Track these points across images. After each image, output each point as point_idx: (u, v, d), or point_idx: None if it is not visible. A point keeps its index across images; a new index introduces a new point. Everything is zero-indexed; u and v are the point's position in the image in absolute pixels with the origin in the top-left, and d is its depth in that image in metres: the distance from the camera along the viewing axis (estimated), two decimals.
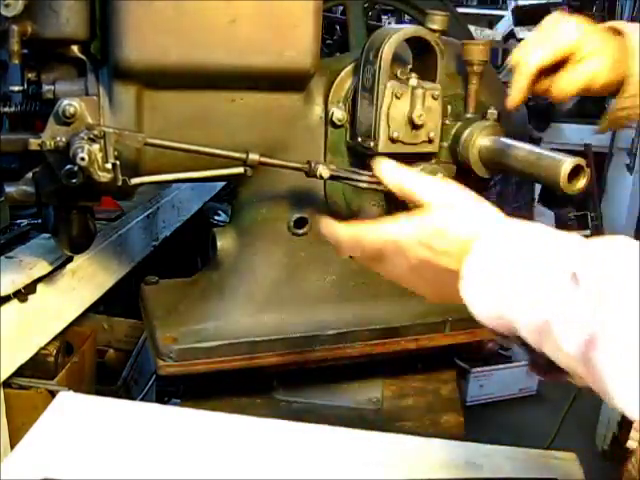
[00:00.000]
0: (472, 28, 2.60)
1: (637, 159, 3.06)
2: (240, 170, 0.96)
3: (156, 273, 1.29)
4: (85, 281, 1.54)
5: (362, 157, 1.08)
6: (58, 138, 0.91)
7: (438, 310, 1.20)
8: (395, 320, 1.18)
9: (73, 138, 0.89)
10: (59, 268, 1.42)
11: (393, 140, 1.01)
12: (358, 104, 1.05)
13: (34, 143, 0.92)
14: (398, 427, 1.19)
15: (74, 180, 0.91)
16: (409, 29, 1.02)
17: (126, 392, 1.79)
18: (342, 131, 1.09)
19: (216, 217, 2.66)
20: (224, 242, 1.14)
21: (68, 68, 0.97)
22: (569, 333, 0.57)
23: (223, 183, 2.28)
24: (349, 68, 1.09)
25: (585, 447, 2.53)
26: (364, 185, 1.03)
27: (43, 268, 1.37)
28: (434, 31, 1.01)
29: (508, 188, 3.10)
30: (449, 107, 1.08)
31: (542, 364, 0.66)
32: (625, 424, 2.48)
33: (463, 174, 1.07)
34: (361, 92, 1.04)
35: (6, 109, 0.96)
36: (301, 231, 1.12)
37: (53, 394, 1.33)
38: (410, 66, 1.06)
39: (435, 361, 1.30)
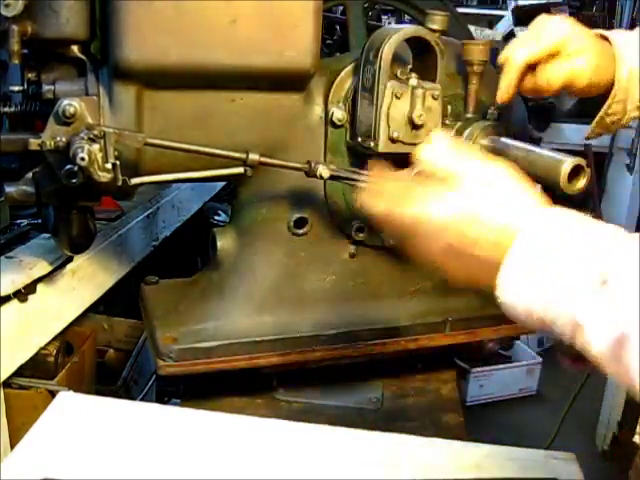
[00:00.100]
0: (472, 28, 2.60)
1: (637, 159, 3.06)
2: (240, 170, 0.96)
3: (156, 273, 1.29)
4: (85, 281, 1.54)
5: (362, 157, 1.08)
6: (58, 138, 0.91)
7: (438, 310, 1.21)
8: (395, 320, 1.18)
9: (73, 138, 0.89)
10: (59, 268, 1.42)
11: (393, 140, 1.01)
12: (358, 104, 1.05)
13: (34, 143, 0.92)
14: (398, 427, 1.19)
15: (74, 180, 0.91)
16: (409, 29, 1.02)
17: (126, 392, 1.79)
18: (342, 131, 1.09)
19: (216, 217, 2.66)
20: (224, 242, 1.14)
21: (68, 68, 0.97)
22: (599, 331, 0.58)
23: (223, 183, 2.28)
24: (349, 68, 1.09)
25: (585, 447, 2.53)
26: (364, 185, 1.03)
27: (43, 268, 1.37)
28: (434, 31, 1.01)
29: None
30: (449, 107, 1.08)
31: (572, 354, 0.67)
32: (625, 424, 2.48)
33: None
34: (361, 92, 1.04)
35: (6, 109, 0.96)
36: (301, 231, 1.12)
37: (53, 394, 1.33)
38: (410, 66, 1.06)
39: (435, 361, 1.30)
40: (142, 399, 1.78)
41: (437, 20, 1.02)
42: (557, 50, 0.99)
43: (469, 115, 1.08)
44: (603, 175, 3.28)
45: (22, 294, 1.32)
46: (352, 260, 1.17)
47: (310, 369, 1.17)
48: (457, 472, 0.97)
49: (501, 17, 3.75)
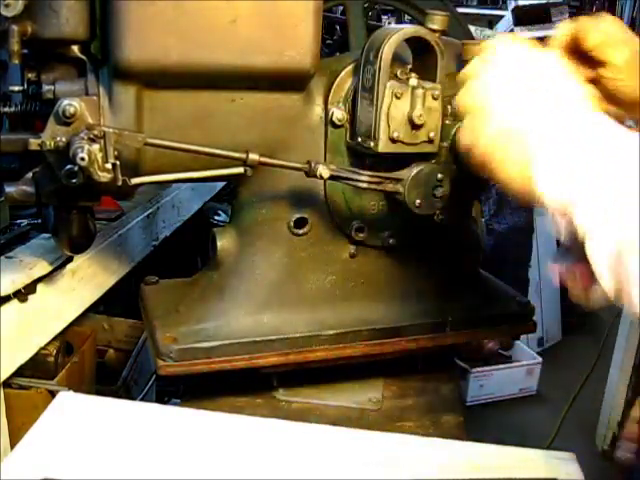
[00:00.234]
0: (472, 28, 2.60)
1: None
2: (240, 170, 0.96)
3: (156, 273, 1.29)
4: (85, 281, 1.54)
5: (362, 157, 1.09)
6: (58, 138, 0.91)
7: (438, 310, 1.21)
8: (395, 320, 1.18)
9: (73, 138, 0.89)
10: (59, 268, 1.42)
11: (393, 140, 1.01)
12: (358, 104, 1.05)
13: (34, 143, 0.92)
14: (398, 427, 1.19)
15: (74, 180, 0.91)
16: (409, 29, 1.01)
17: (126, 392, 1.79)
18: (342, 131, 1.09)
19: (216, 217, 2.66)
20: (224, 242, 1.14)
21: (68, 68, 0.97)
22: (622, 228, 0.59)
23: (223, 183, 2.28)
24: (349, 68, 1.09)
25: (585, 447, 2.53)
26: (364, 185, 1.03)
27: (43, 268, 1.37)
28: (434, 31, 1.01)
29: None
30: (449, 107, 1.08)
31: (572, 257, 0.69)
32: (625, 424, 2.48)
33: (463, 174, 1.07)
34: (361, 92, 1.04)
35: (6, 109, 0.96)
36: (301, 231, 1.12)
37: (53, 394, 1.33)
38: (410, 66, 1.06)
39: (435, 361, 1.30)
40: (142, 399, 1.78)
41: (437, 20, 1.02)
42: (603, 33, 0.96)
43: None
44: None
45: (22, 294, 1.32)
46: (352, 260, 1.17)
47: (310, 369, 1.17)
48: (457, 472, 0.97)
49: (501, 17, 3.75)
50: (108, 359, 1.91)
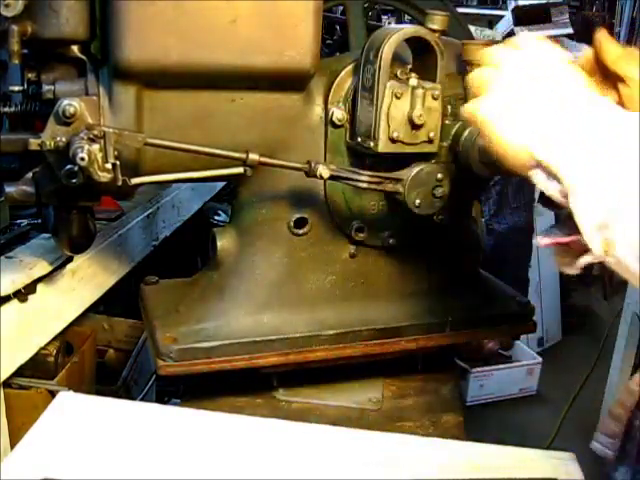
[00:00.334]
0: (472, 28, 2.60)
1: None
2: (240, 170, 0.97)
3: (156, 273, 1.29)
4: (85, 281, 1.54)
5: (362, 157, 1.09)
6: (58, 138, 0.91)
7: (438, 310, 1.21)
8: (395, 320, 1.18)
9: (73, 138, 0.89)
10: (59, 268, 1.42)
11: (393, 140, 1.01)
12: (358, 104, 1.05)
13: (34, 143, 0.92)
14: (398, 427, 1.19)
15: (74, 180, 0.91)
16: (409, 29, 1.02)
17: (126, 392, 1.79)
18: (342, 131, 1.09)
19: (216, 217, 2.66)
20: (224, 242, 1.14)
21: (68, 68, 0.97)
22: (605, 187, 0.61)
23: (223, 183, 2.28)
24: (349, 68, 1.09)
25: (585, 447, 2.53)
26: (364, 185, 1.04)
27: (43, 268, 1.37)
28: (434, 31, 1.01)
29: (508, 188, 3.10)
30: (449, 107, 1.08)
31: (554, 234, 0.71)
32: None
33: (463, 174, 1.07)
34: (361, 92, 1.04)
35: (6, 109, 0.96)
36: (301, 231, 1.12)
37: (53, 394, 1.33)
38: (410, 66, 1.06)
39: (435, 361, 1.30)
40: (142, 399, 1.78)
41: (437, 20, 1.02)
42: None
43: None
44: None
45: (22, 294, 1.32)
46: (352, 260, 1.17)
47: (310, 369, 1.17)
48: (457, 472, 0.97)
49: (501, 17, 3.75)
50: (108, 359, 1.91)
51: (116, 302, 1.89)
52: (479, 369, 2.89)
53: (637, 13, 3.50)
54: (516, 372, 2.98)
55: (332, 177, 0.95)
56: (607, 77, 0.96)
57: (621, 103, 0.97)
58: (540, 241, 0.74)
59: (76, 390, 1.19)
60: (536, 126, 0.70)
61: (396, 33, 0.99)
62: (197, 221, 2.29)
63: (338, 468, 0.96)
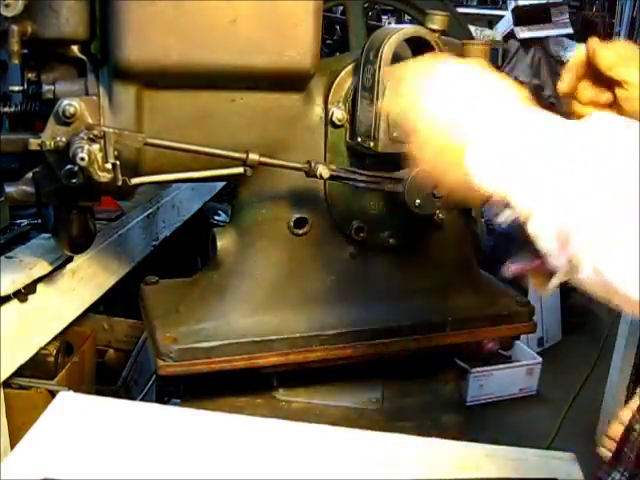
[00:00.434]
0: (472, 28, 2.60)
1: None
2: (240, 170, 0.97)
3: (156, 273, 1.29)
4: (85, 281, 1.54)
5: (362, 157, 1.09)
6: (58, 138, 0.91)
7: (438, 310, 1.21)
8: (395, 320, 1.18)
9: (73, 138, 0.89)
10: (59, 268, 1.42)
11: (393, 140, 1.01)
12: (358, 104, 1.05)
13: (34, 143, 0.92)
14: (398, 427, 1.19)
15: (74, 180, 0.91)
16: (409, 29, 1.02)
17: (126, 392, 1.79)
18: (342, 131, 1.09)
19: (216, 217, 2.66)
20: (224, 242, 1.14)
21: (68, 68, 0.97)
22: (560, 200, 0.60)
23: (223, 183, 2.28)
24: (349, 68, 1.09)
25: (585, 447, 2.53)
26: (364, 185, 1.04)
27: (43, 268, 1.37)
28: (434, 31, 1.02)
29: None
30: None
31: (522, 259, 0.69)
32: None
33: None
34: (361, 92, 1.04)
35: (6, 109, 0.96)
36: (301, 231, 1.12)
37: (53, 394, 1.33)
38: None
39: (435, 361, 1.30)
40: (142, 399, 1.78)
41: (437, 20, 1.02)
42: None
43: None
44: None
45: (22, 294, 1.32)
46: (352, 260, 1.17)
47: (310, 369, 1.17)
48: (457, 472, 0.97)
49: (501, 17, 3.75)
50: (108, 359, 1.90)
51: (116, 302, 1.89)
52: (479, 369, 2.89)
53: (637, 13, 3.50)
54: (516, 372, 2.98)
55: (332, 177, 0.95)
56: (599, 79, 0.97)
57: (617, 105, 0.98)
58: (509, 270, 0.74)
59: (76, 390, 1.19)
60: (481, 155, 0.68)
61: (396, 33, 0.99)
62: (197, 221, 2.29)
63: (338, 468, 0.96)
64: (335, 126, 1.08)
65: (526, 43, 3.35)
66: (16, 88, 0.95)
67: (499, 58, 3.61)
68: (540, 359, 3.02)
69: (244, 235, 1.14)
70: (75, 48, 0.95)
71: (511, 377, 2.97)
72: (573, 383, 2.80)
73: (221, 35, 0.92)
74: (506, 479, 0.97)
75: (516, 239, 0.74)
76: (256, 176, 1.01)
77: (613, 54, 0.95)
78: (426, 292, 1.22)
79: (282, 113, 1.04)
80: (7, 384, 1.41)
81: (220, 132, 1.01)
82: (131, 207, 1.80)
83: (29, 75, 0.96)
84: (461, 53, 1.07)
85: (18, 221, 1.53)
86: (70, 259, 1.43)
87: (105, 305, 1.89)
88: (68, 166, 0.91)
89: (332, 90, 1.08)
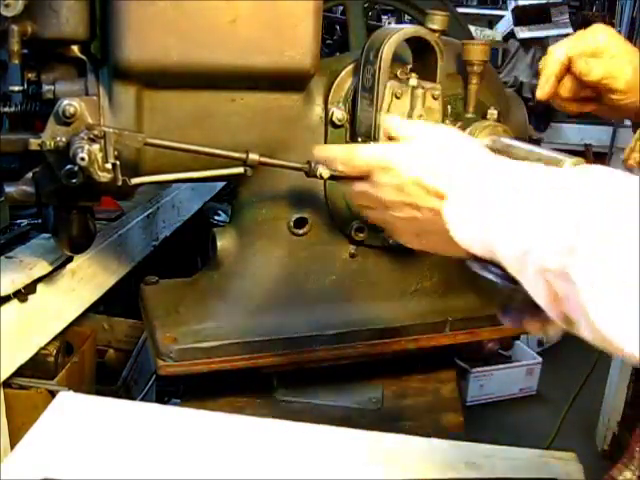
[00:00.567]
0: (472, 28, 2.60)
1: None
2: (240, 170, 0.96)
3: (156, 273, 1.29)
4: (85, 281, 1.54)
5: None
6: (58, 138, 0.91)
7: (438, 310, 1.21)
8: (395, 320, 1.18)
9: (73, 138, 0.89)
10: (59, 268, 1.41)
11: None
12: (358, 104, 1.05)
13: (34, 143, 0.92)
14: (398, 427, 1.19)
15: (74, 180, 0.91)
16: (409, 29, 1.02)
17: (126, 392, 1.79)
18: (342, 131, 1.09)
19: (216, 217, 2.66)
20: (224, 242, 1.14)
21: (68, 68, 0.97)
22: (551, 245, 0.57)
23: (223, 183, 2.28)
24: (349, 68, 1.09)
25: (585, 447, 2.53)
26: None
27: (43, 268, 1.37)
28: (434, 31, 1.01)
29: None
30: (449, 107, 1.08)
31: (516, 308, 0.67)
32: (625, 424, 2.48)
33: None
34: (361, 92, 1.04)
35: (6, 109, 0.96)
36: (301, 231, 1.12)
37: (53, 394, 1.33)
38: (410, 66, 1.06)
39: (435, 361, 1.30)
40: (142, 399, 1.78)
41: (437, 20, 1.02)
42: (598, 51, 0.97)
43: (469, 115, 1.08)
44: None
45: (22, 294, 1.32)
46: (352, 260, 1.17)
47: (310, 369, 1.17)
48: (457, 472, 0.97)
49: (501, 17, 3.75)
50: (108, 359, 1.90)
51: (116, 302, 1.89)
52: (479, 369, 2.89)
53: (637, 13, 3.49)
54: (516, 372, 2.98)
55: (332, 177, 0.95)
56: (583, 83, 0.98)
57: (603, 109, 0.99)
58: (505, 322, 0.73)
59: (76, 390, 1.19)
60: (454, 206, 0.68)
61: (396, 33, 0.99)
62: (197, 221, 2.28)
63: (338, 468, 0.96)
64: (335, 126, 1.08)
65: (526, 43, 3.35)
66: (16, 88, 0.95)
67: (499, 58, 3.60)
68: (540, 359, 3.02)
69: (244, 235, 1.14)
70: (75, 48, 0.95)
71: (511, 377, 2.97)
72: (573, 383, 2.80)
73: (221, 35, 0.92)
74: (506, 479, 0.97)
75: None
76: (256, 176, 1.01)
77: (601, 69, 0.96)
78: (426, 292, 1.22)
79: (282, 113, 1.04)
80: (7, 384, 1.41)
81: (220, 132, 1.02)
82: (131, 207, 1.80)
83: (29, 75, 0.96)
84: (461, 53, 1.07)
85: (18, 221, 1.53)
86: (70, 259, 1.42)
87: (105, 305, 1.89)
88: (68, 166, 0.91)
89: (332, 90, 1.08)
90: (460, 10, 3.22)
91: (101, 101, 0.95)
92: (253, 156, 0.95)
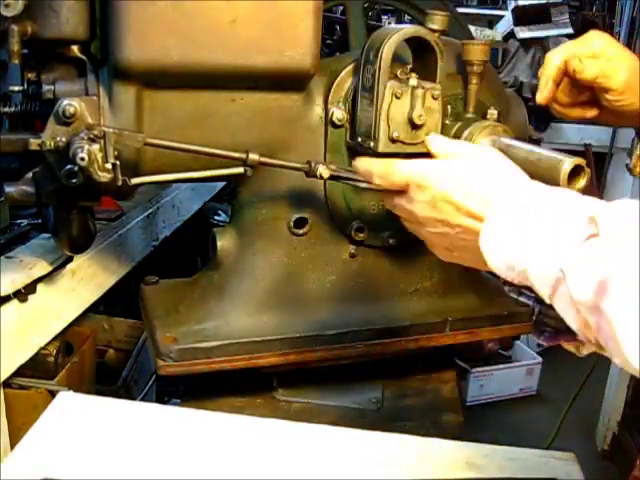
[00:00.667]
0: (472, 28, 2.60)
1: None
2: (240, 170, 0.96)
3: (156, 273, 1.29)
4: (85, 281, 1.54)
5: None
6: (58, 138, 0.91)
7: (438, 310, 1.21)
8: (395, 320, 1.18)
9: (73, 138, 0.89)
10: (59, 268, 1.41)
11: (393, 140, 1.01)
12: (358, 104, 1.05)
13: (34, 143, 0.92)
14: (398, 427, 1.19)
15: (74, 180, 0.91)
16: (409, 29, 1.01)
17: (126, 392, 1.79)
18: (342, 131, 1.09)
19: (216, 217, 2.66)
20: (224, 242, 1.14)
21: (68, 68, 0.97)
22: (582, 279, 0.58)
23: (223, 183, 2.28)
24: (349, 68, 1.09)
25: (585, 447, 2.53)
26: (364, 185, 1.03)
27: (43, 268, 1.37)
28: (434, 31, 1.01)
29: None
30: (449, 107, 1.08)
31: (549, 328, 0.68)
32: (625, 424, 2.48)
33: None
34: (361, 92, 1.04)
35: (6, 109, 0.96)
36: (301, 231, 1.12)
37: (53, 394, 1.33)
38: (410, 66, 1.06)
39: (435, 361, 1.30)
40: (142, 399, 1.78)
41: (437, 20, 1.02)
42: (595, 55, 0.98)
43: (469, 115, 1.08)
44: (603, 175, 3.28)
45: (22, 294, 1.32)
46: (352, 260, 1.17)
47: (310, 369, 1.17)
48: (457, 472, 0.97)
49: (501, 17, 3.74)
50: (108, 359, 1.90)
51: (116, 302, 1.89)
52: (479, 369, 2.89)
53: (637, 13, 3.49)
54: (516, 372, 2.98)
55: (332, 177, 0.95)
56: (579, 85, 0.99)
57: (605, 114, 1.00)
58: (541, 343, 0.74)
59: (76, 390, 1.19)
60: (489, 232, 0.69)
61: (396, 33, 0.99)
62: (197, 221, 2.29)
63: (338, 468, 0.96)
64: (335, 126, 1.08)
65: (526, 43, 3.35)
66: (16, 88, 0.95)
67: (499, 58, 3.60)
68: (540, 359, 3.02)
69: (244, 235, 1.14)
70: (75, 48, 0.95)
71: (511, 377, 2.97)
72: (573, 383, 2.80)
73: (221, 35, 0.92)
74: (506, 479, 0.97)
75: None
76: (256, 176, 1.01)
77: (596, 68, 0.97)
78: (426, 292, 1.22)
79: (282, 113, 1.04)
80: (7, 384, 1.41)
81: (220, 132, 1.02)
82: (131, 207, 1.80)
83: (29, 75, 0.96)
84: (461, 53, 1.07)
85: (18, 221, 1.53)
86: (70, 259, 1.42)
87: (105, 305, 1.89)
88: (68, 166, 0.91)
89: (332, 90, 1.08)
90: (460, 10, 3.22)
91: (101, 101, 0.95)
92: (253, 156, 0.95)
